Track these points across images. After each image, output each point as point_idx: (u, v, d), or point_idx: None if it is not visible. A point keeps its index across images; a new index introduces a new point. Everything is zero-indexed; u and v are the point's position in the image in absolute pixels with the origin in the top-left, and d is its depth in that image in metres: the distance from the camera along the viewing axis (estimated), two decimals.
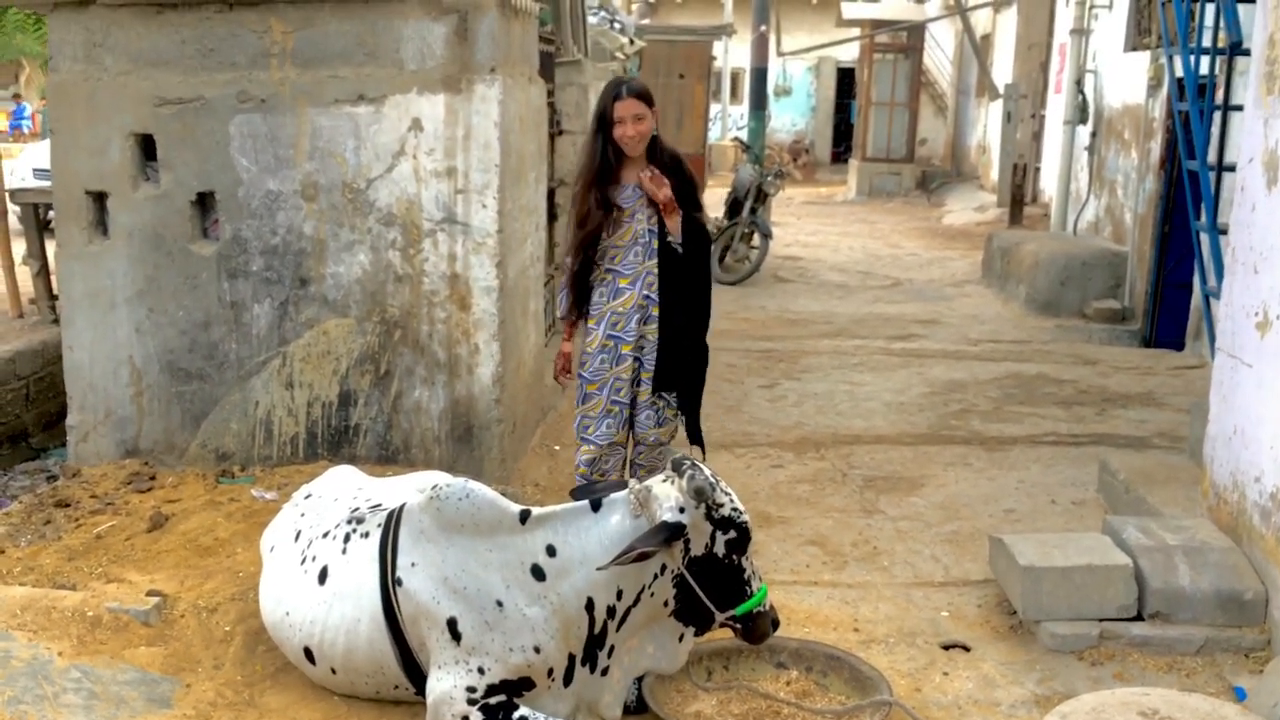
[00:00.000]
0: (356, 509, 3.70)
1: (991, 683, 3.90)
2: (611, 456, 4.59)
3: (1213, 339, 6.38)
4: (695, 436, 4.67)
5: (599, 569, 3.25)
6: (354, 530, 3.58)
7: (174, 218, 5.26)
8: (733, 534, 3.34)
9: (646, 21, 17.73)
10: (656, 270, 4.49)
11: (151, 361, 5.37)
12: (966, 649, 4.15)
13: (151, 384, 5.39)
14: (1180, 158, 7.29)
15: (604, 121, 4.40)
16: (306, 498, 3.95)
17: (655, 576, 3.32)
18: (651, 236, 4.47)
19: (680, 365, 4.53)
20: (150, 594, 4.06)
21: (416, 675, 3.43)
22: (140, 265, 5.29)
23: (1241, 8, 6.49)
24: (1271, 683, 3.61)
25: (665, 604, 3.38)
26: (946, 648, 4.16)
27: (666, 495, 3.28)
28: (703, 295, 4.56)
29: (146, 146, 5.28)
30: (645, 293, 4.48)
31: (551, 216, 7.44)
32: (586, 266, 4.49)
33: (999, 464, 6.19)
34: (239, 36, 5.14)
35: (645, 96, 4.42)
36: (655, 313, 4.51)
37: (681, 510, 3.26)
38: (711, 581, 3.34)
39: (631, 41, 11.58)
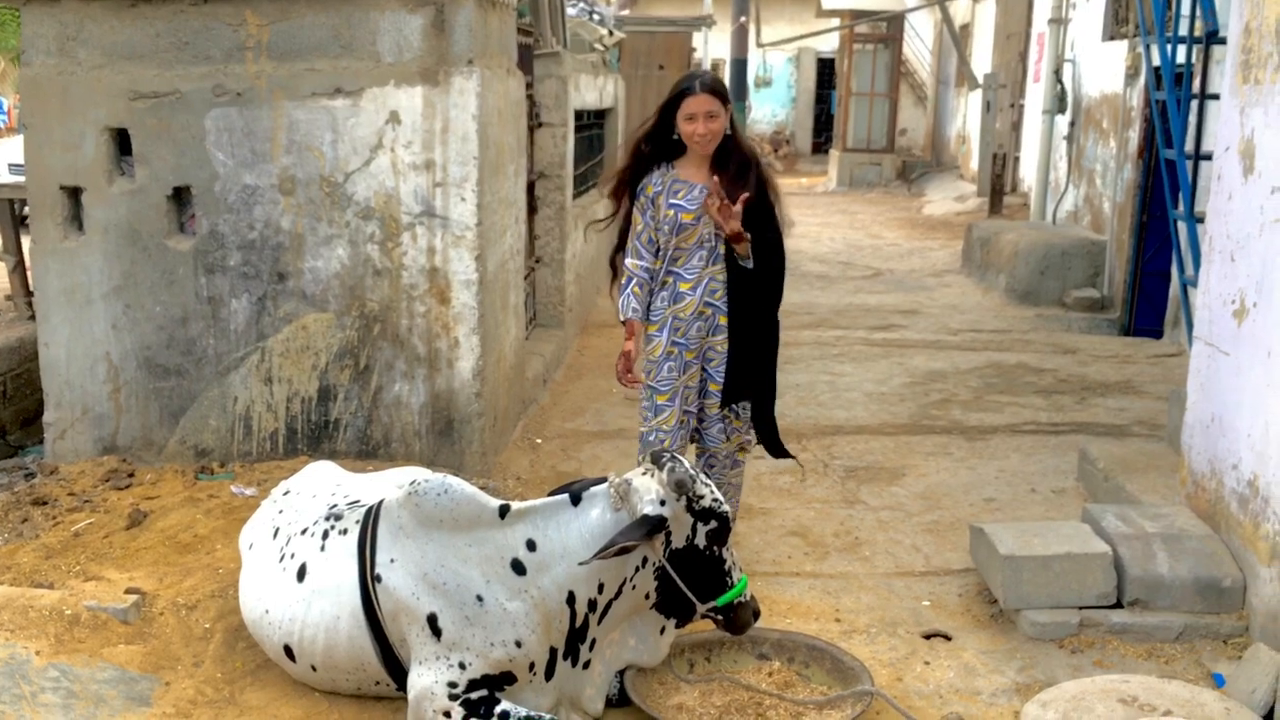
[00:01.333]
0: (335, 505, 3.69)
1: (973, 671, 3.92)
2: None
3: (1191, 327, 6.42)
4: (776, 449, 4.45)
5: (581, 564, 3.24)
6: (333, 527, 3.57)
7: (150, 213, 5.22)
8: (714, 525, 3.34)
9: (626, 13, 17.69)
10: (723, 277, 4.25)
11: (129, 358, 5.33)
12: (948, 638, 4.17)
13: (129, 380, 5.35)
14: (1158, 147, 7.33)
15: (668, 113, 4.17)
16: (285, 494, 3.93)
17: (637, 569, 3.32)
18: (717, 241, 4.21)
19: (752, 376, 4.33)
20: (129, 592, 4.04)
21: (397, 671, 3.42)
22: (116, 261, 5.25)
23: None
24: (1249, 669, 3.64)
25: (647, 596, 3.38)
26: (928, 637, 4.17)
27: (647, 488, 3.28)
28: (772, 307, 4.35)
29: (121, 141, 5.23)
30: (707, 299, 4.26)
31: (531, 209, 7.41)
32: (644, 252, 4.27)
33: (979, 453, 6.21)
34: (214, 29, 5.10)
35: (720, 92, 4.15)
36: (722, 322, 4.28)
37: (663, 503, 3.26)
38: (693, 573, 3.34)
39: (611, 33, 11.54)
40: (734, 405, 4.37)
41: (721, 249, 4.24)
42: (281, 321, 5.29)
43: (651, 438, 4.34)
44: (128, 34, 5.12)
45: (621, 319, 4.33)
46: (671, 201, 4.22)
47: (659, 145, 4.27)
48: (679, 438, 4.33)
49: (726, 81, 23.46)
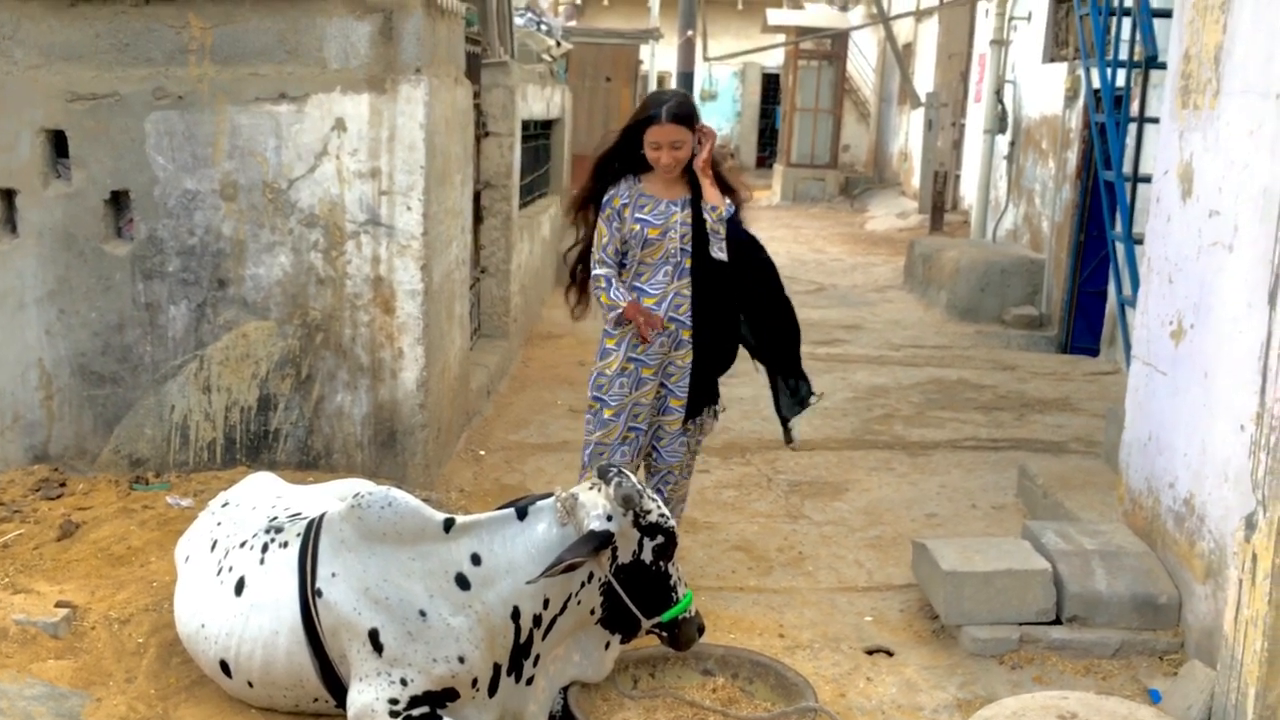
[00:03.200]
0: (275, 518, 3.62)
1: (914, 687, 3.94)
2: None
3: (1128, 347, 6.53)
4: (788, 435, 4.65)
5: (528, 582, 3.21)
6: (273, 540, 3.50)
7: (87, 216, 5.11)
8: (660, 540, 3.33)
9: (573, 24, 17.68)
10: (688, 292, 4.27)
11: (62, 364, 5.21)
12: (890, 654, 4.19)
13: (62, 387, 5.23)
14: (1097, 168, 7.45)
15: (633, 134, 4.18)
16: (224, 506, 3.85)
17: (582, 585, 3.30)
18: (684, 256, 4.24)
19: (710, 387, 4.39)
20: (59, 605, 3.93)
21: (337, 688, 3.36)
22: (51, 265, 5.13)
23: (1157, 22, 6.66)
24: (1185, 686, 3.69)
25: (592, 612, 3.36)
26: (870, 652, 4.19)
27: (594, 503, 3.26)
28: (782, 309, 4.43)
29: (58, 143, 5.11)
30: (671, 314, 4.27)
31: (477, 219, 7.37)
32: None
33: (921, 468, 6.26)
34: (155, 31, 5.01)
35: (687, 117, 4.13)
36: (686, 336, 4.29)
37: (609, 518, 3.24)
38: (639, 588, 3.33)
39: (558, 44, 11.53)
40: (696, 418, 4.38)
41: (688, 263, 4.25)
42: (221, 329, 5.20)
43: (589, 451, 4.35)
44: (66, 34, 5.01)
45: (621, 308, 4.21)
46: (638, 216, 4.23)
47: (625, 160, 4.27)
48: (620, 453, 4.31)
49: None
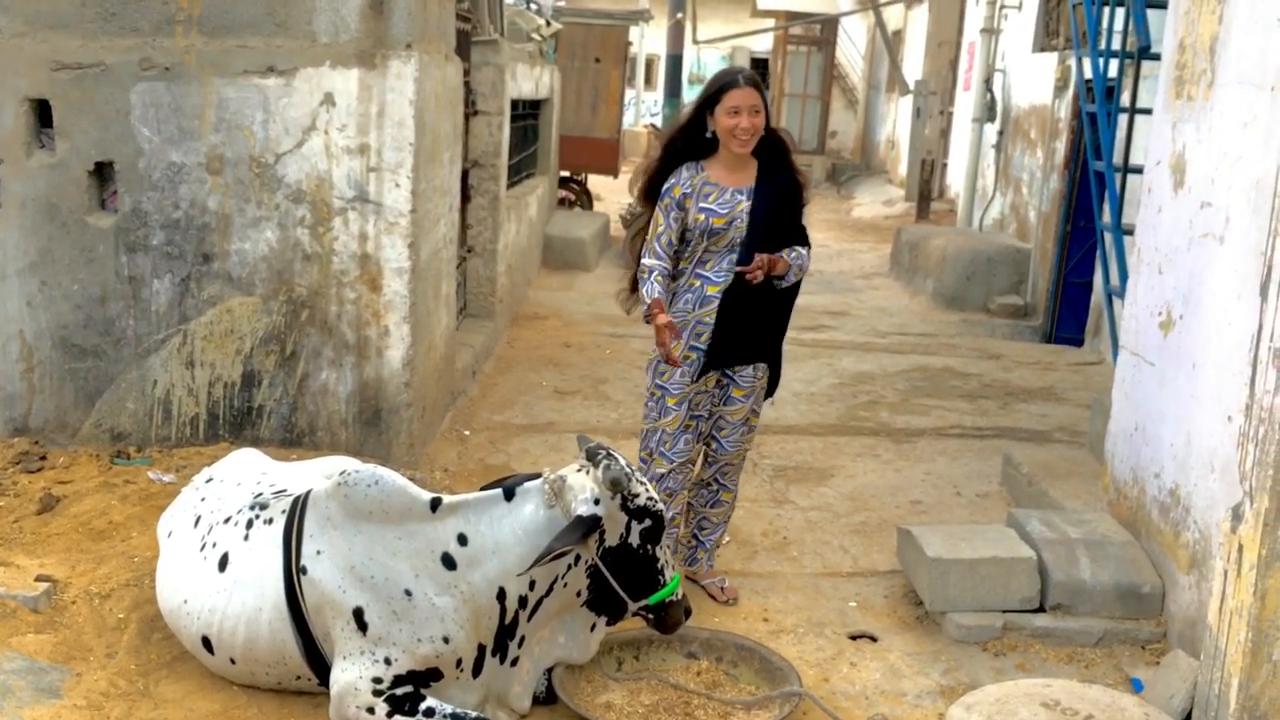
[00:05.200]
0: (260, 494, 3.59)
1: (898, 673, 3.94)
2: (681, 473, 4.25)
3: (1115, 337, 6.55)
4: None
5: (519, 575, 3.19)
6: (257, 516, 3.48)
7: (70, 188, 5.05)
8: (648, 523, 3.32)
9: (563, 4, 17.59)
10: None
11: (43, 337, 5.15)
12: (874, 639, 4.19)
13: (43, 360, 5.17)
14: (1086, 158, 7.45)
15: (705, 108, 4.03)
16: (208, 481, 3.82)
17: (569, 567, 3.29)
18: (744, 248, 4.09)
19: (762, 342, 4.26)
20: (39, 579, 3.90)
21: (320, 666, 3.34)
22: (33, 236, 5.07)
23: (1150, 13, 6.65)
24: (1168, 675, 3.70)
25: (578, 594, 3.35)
26: (854, 638, 4.19)
27: (582, 485, 3.24)
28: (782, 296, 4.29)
29: (42, 113, 5.05)
30: None
31: (464, 198, 7.32)
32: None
33: (906, 455, 6.26)
34: (143, 1, 4.94)
35: (761, 89, 4.01)
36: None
37: (597, 501, 3.22)
38: (626, 571, 3.31)
39: (548, 23, 11.46)
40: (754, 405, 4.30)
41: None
42: (205, 304, 5.15)
43: (655, 439, 4.24)
44: (52, 2, 4.94)
45: (648, 304, 4.06)
46: (702, 205, 4.07)
47: (689, 143, 4.13)
48: (684, 440, 4.21)
49: (661, 78, 23.48)
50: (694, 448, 4.27)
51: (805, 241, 4.28)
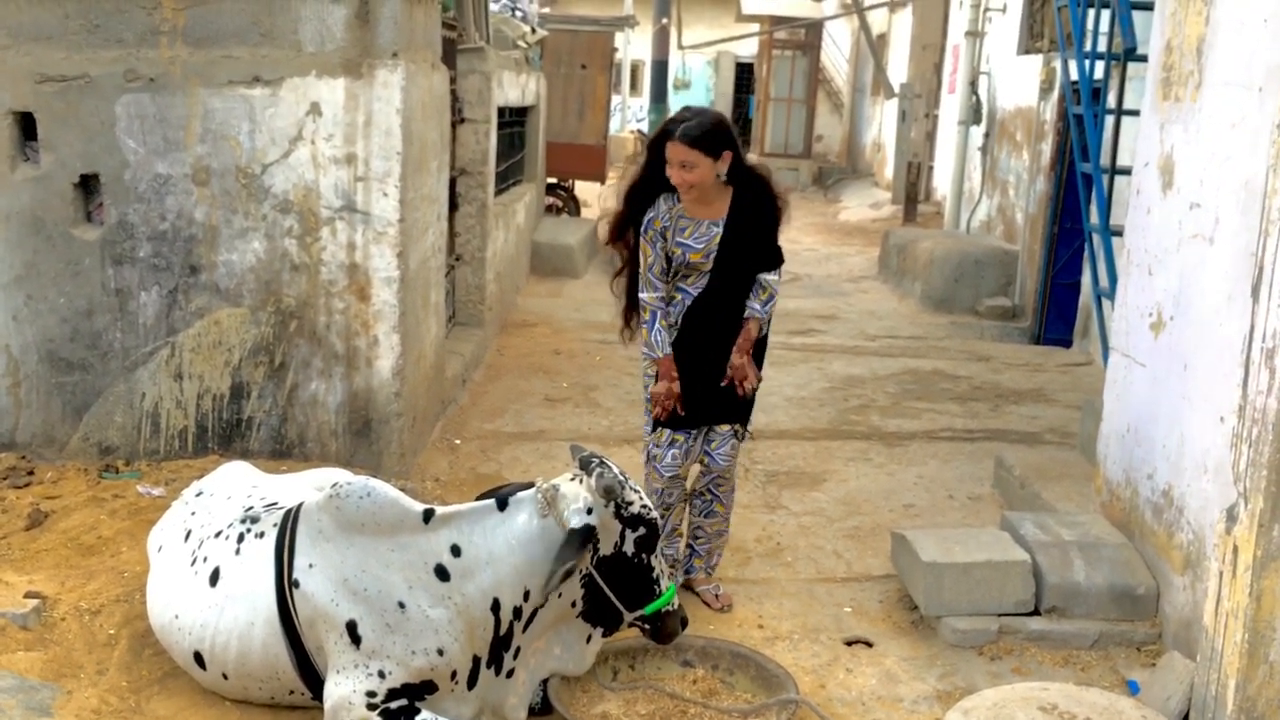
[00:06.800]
0: (251, 507, 3.57)
1: (894, 678, 3.93)
2: (674, 489, 4.30)
3: (1104, 338, 6.55)
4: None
5: (540, 606, 3.23)
6: (248, 530, 3.45)
7: (55, 200, 5.01)
8: (642, 531, 3.30)
9: (548, 10, 17.59)
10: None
11: (30, 351, 5.11)
12: (869, 645, 4.18)
13: (30, 374, 5.13)
14: (1073, 160, 7.46)
15: (656, 149, 4.06)
16: (197, 495, 3.79)
17: None
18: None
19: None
20: (28, 596, 3.86)
21: (313, 680, 3.32)
22: (18, 250, 5.04)
23: (1136, 14, 6.66)
24: (1164, 677, 3.70)
25: (573, 605, 3.33)
26: (849, 643, 4.18)
27: (575, 495, 3.22)
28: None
29: (26, 125, 5.02)
30: None
31: (453, 206, 7.30)
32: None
33: (898, 459, 6.26)
34: (127, 13, 4.92)
35: (702, 142, 3.96)
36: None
37: (590, 510, 3.20)
38: (620, 581, 3.29)
39: (533, 30, 11.45)
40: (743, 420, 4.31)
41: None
42: (193, 316, 5.12)
43: (650, 451, 4.29)
44: (35, 14, 4.91)
45: (658, 355, 4.16)
46: (679, 240, 4.11)
47: (650, 190, 4.15)
48: (671, 455, 4.23)
49: (647, 83, 23.46)
50: (684, 464, 4.27)
51: (776, 262, 4.28)
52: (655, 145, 4.10)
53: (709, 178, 4.03)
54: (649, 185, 4.16)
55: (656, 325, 4.15)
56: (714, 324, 4.18)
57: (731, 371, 4.16)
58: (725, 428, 4.29)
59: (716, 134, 4.01)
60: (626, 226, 4.25)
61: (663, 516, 4.29)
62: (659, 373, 4.17)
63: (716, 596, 4.40)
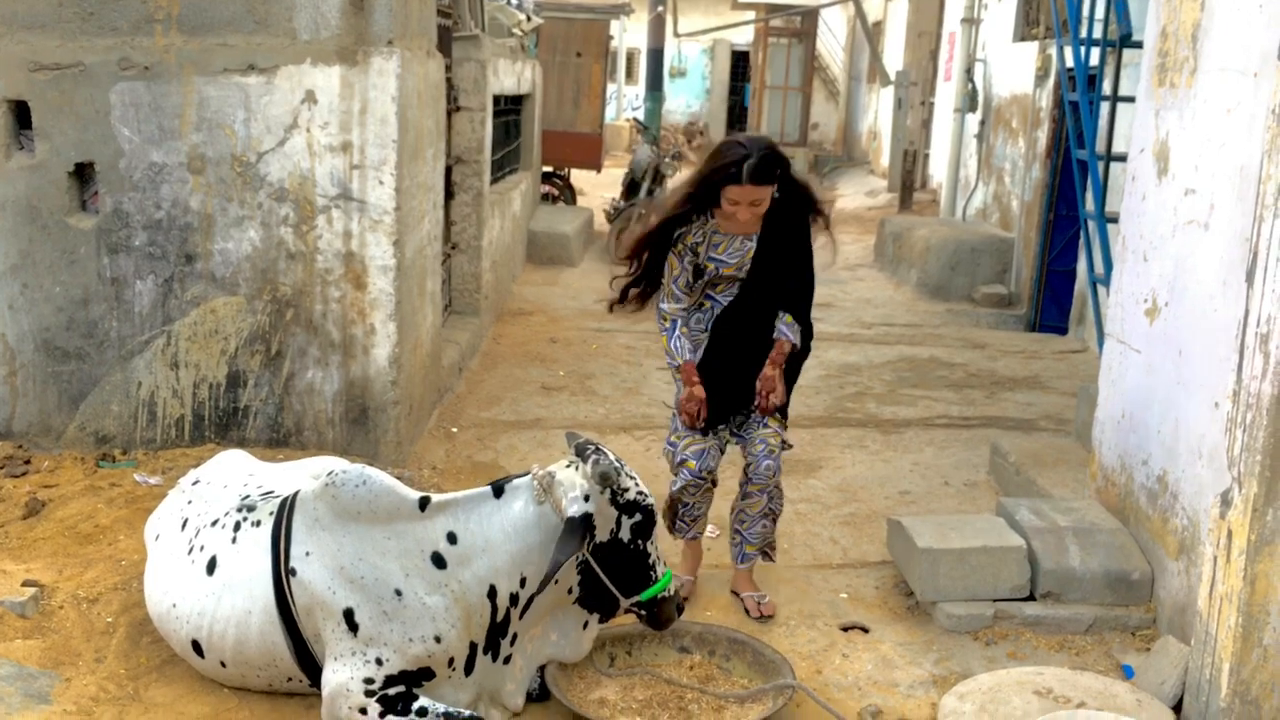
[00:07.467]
0: (247, 496, 3.57)
1: (890, 663, 3.95)
2: (700, 493, 4.22)
3: (1099, 325, 6.56)
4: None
5: (535, 596, 3.23)
6: (245, 518, 3.46)
7: (50, 189, 5.01)
8: (638, 518, 3.30)
9: None
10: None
11: (26, 340, 5.12)
12: (865, 630, 4.19)
13: (26, 363, 5.13)
14: (1069, 147, 7.47)
15: (710, 188, 3.91)
16: (194, 484, 3.79)
17: None
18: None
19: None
20: (26, 584, 3.87)
21: (311, 667, 3.32)
22: (13, 239, 5.03)
23: (1131, 1, 6.66)
24: (1159, 661, 3.72)
25: (570, 591, 3.33)
26: (846, 629, 4.19)
27: (571, 482, 3.23)
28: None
29: (20, 114, 5.01)
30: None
31: (448, 194, 7.30)
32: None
33: (894, 446, 6.27)
34: (121, 1, 4.91)
35: (769, 175, 3.86)
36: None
37: (586, 498, 3.20)
38: (617, 567, 3.30)
39: (529, 18, 11.42)
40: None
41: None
42: (189, 304, 5.12)
43: (675, 447, 4.21)
44: (29, 2, 4.90)
45: (678, 363, 4.11)
46: (712, 255, 4.05)
47: (699, 215, 4.05)
48: (703, 454, 4.17)
49: (643, 71, 23.44)
50: (713, 467, 4.19)
51: (807, 287, 4.20)
52: (710, 186, 3.93)
53: (769, 204, 3.97)
54: (687, 220, 4.06)
55: (676, 333, 4.11)
56: (743, 332, 4.14)
57: (760, 383, 4.10)
58: (760, 446, 4.16)
59: (775, 159, 3.93)
60: (646, 250, 4.15)
61: (688, 526, 4.30)
62: (682, 379, 4.14)
63: (759, 605, 4.25)
